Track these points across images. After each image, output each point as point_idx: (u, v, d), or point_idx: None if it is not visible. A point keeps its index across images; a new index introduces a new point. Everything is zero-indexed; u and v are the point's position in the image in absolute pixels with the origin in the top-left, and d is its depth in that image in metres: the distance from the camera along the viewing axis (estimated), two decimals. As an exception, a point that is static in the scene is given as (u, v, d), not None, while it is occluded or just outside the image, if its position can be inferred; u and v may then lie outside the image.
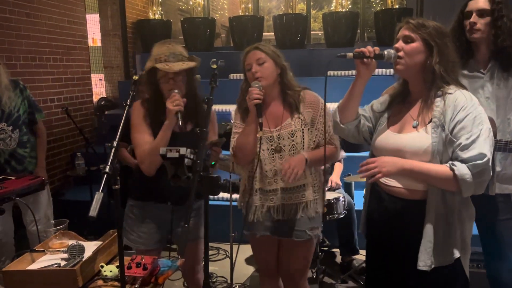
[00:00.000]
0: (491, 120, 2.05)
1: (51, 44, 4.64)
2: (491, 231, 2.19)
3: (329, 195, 3.10)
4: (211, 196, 1.58)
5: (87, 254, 1.88)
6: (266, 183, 2.12)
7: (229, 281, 3.17)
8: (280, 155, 2.09)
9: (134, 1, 6.44)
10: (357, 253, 3.44)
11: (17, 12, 4.13)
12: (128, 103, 1.66)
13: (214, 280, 3.39)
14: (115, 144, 1.49)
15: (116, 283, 1.78)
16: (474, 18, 2.06)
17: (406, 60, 1.62)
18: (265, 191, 2.13)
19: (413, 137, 1.63)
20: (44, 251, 1.97)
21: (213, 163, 2.04)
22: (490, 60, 2.11)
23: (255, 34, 5.91)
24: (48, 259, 1.91)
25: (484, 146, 1.52)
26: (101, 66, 6.27)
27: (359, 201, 3.28)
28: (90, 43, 5.82)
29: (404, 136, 1.66)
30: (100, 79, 6.34)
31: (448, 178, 1.54)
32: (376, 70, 4.74)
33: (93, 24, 6.07)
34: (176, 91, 2.06)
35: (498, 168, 2.11)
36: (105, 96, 6.13)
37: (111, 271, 1.81)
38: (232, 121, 4.06)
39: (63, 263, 1.86)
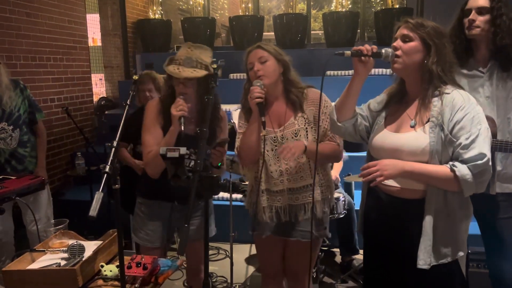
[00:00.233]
0: (491, 120, 2.05)
1: (51, 44, 4.64)
2: (492, 230, 2.19)
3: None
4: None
5: (87, 253, 1.89)
6: (272, 184, 2.11)
7: (229, 280, 3.17)
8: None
9: (134, 1, 6.45)
10: (357, 253, 3.44)
11: (17, 11, 4.13)
12: (128, 102, 1.66)
13: (214, 280, 3.39)
14: (115, 144, 1.49)
15: (116, 283, 1.78)
16: (473, 15, 2.06)
17: (404, 58, 1.63)
18: (271, 192, 2.13)
19: (410, 137, 1.63)
20: (44, 250, 1.97)
21: (220, 164, 2.04)
22: (490, 60, 2.11)
23: (255, 34, 5.92)
24: (48, 259, 1.91)
25: (483, 146, 1.53)
26: (101, 66, 6.27)
27: (359, 201, 3.28)
28: (90, 43, 5.82)
29: (402, 135, 1.66)
30: (100, 79, 6.34)
31: (449, 179, 1.55)
32: (374, 70, 4.78)
33: (93, 24, 6.07)
34: (181, 96, 2.05)
35: (499, 168, 2.11)
36: (105, 96, 6.13)
37: (111, 271, 1.81)
38: (232, 121, 4.07)
39: (63, 262, 1.86)
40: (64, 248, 1.96)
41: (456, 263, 1.66)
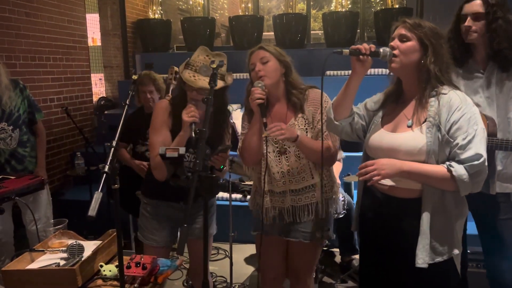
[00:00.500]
0: (492, 120, 2.05)
1: (51, 44, 4.64)
2: (492, 231, 2.19)
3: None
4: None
5: (87, 253, 1.89)
6: (275, 185, 2.11)
7: (228, 280, 3.17)
8: (286, 157, 2.08)
9: (134, 1, 6.44)
10: (357, 253, 3.44)
11: (16, 11, 4.13)
12: (127, 102, 1.66)
13: (214, 280, 3.39)
14: (114, 143, 1.49)
15: (115, 283, 1.79)
16: (469, 21, 2.07)
17: (401, 58, 1.64)
18: (274, 193, 2.13)
19: (408, 137, 1.64)
20: (43, 250, 1.97)
21: (222, 166, 2.05)
22: (489, 61, 2.11)
23: (255, 33, 5.91)
24: (47, 259, 1.91)
25: (480, 147, 1.54)
26: (101, 65, 6.27)
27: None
28: (90, 43, 5.82)
29: (399, 135, 1.67)
30: (100, 79, 6.34)
31: (445, 178, 1.56)
32: (372, 70, 4.78)
33: (93, 24, 6.06)
34: (193, 102, 2.04)
35: (499, 167, 2.11)
36: (104, 95, 6.13)
37: (110, 271, 1.81)
38: (232, 121, 4.07)
39: (62, 262, 1.86)
40: (64, 248, 1.96)
41: (451, 261, 1.68)
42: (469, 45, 2.14)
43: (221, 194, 3.98)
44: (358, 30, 6.20)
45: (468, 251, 2.55)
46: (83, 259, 1.84)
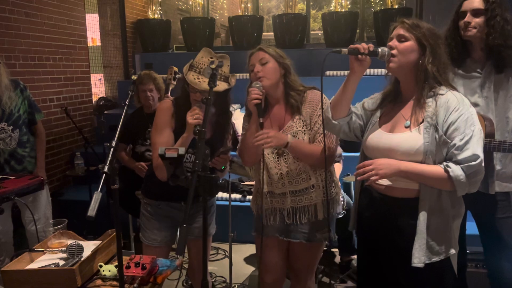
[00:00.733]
0: (489, 120, 2.06)
1: (51, 44, 4.64)
2: (491, 230, 2.20)
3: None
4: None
5: (86, 253, 1.89)
6: (274, 186, 2.11)
7: (228, 280, 3.17)
8: (285, 158, 2.09)
9: (134, 1, 6.44)
10: (356, 253, 3.44)
11: (16, 11, 4.13)
12: (127, 103, 1.66)
13: (213, 280, 3.39)
14: (113, 144, 1.49)
15: (114, 283, 1.79)
16: (468, 17, 2.08)
17: (399, 58, 1.65)
18: (274, 195, 2.13)
19: (405, 137, 1.64)
20: (43, 250, 1.97)
21: (223, 167, 2.05)
22: (487, 60, 2.12)
23: (254, 34, 5.92)
24: (47, 259, 1.91)
25: (477, 147, 1.56)
26: (100, 66, 6.26)
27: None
28: (90, 43, 5.82)
29: (397, 135, 1.67)
30: (100, 79, 6.34)
31: (443, 179, 1.58)
32: (370, 70, 4.78)
33: (92, 24, 6.06)
34: (198, 104, 2.04)
35: (498, 167, 2.12)
36: (104, 96, 6.13)
37: (109, 271, 1.81)
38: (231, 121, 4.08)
39: (62, 262, 1.86)
40: (63, 248, 1.96)
41: (448, 261, 1.69)
42: (466, 44, 2.14)
43: (220, 194, 3.99)
44: (358, 30, 6.21)
45: (468, 251, 2.56)
46: (82, 259, 1.84)
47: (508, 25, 2.04)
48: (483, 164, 1.57)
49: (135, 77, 1.80)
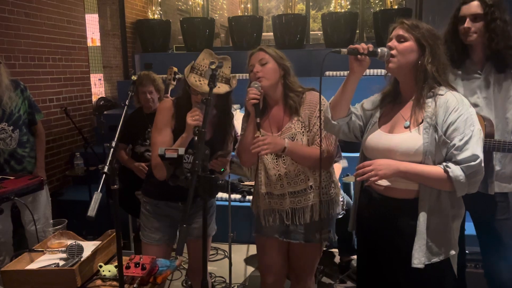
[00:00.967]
0: (489, 120, 2.06)
1: (50, 44, 4.64)
2: (489, 231, 2.20)
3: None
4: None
5: (86, 254, 1.89)
6: (273, 187, 2.11)
7: (227, 281, 3.17)
8: (283, 160, 2.08)
9: (133, 1, 6.45)
10: (356, 253, 3.44)
11: (16, 11, 4.13)
12: (127, 103, 1.66)
13: (212, 280, 3.39)
14: (113, 144, 1.49)
15: (114, 283, 1.79)
16: (468, 23, 2.08)
17: (398, 58, 1.65)
18: (273, 196, 2.13)
19: (404, 138, 1.64)
20: (42, 251, 1.97)
21: (222, 169, 2.05)
22: (486, 61, 2.12)
23: (254, 34, 5.92)
24: (46, 259, 1.92)
25: (476, 148, 1.56)
26: (100, 66, 6.27)
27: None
28: (89, 43, 5.82)
29: (396, 136, 1.68)
30: (99, 79, 6.34)
31: (442, 179, 1.57)
32: (369, 71, 4.79)
33: (92, 24, 6.06)
34: (198, 105, 2.03)
35: (497, 167, 2.12)
36: (104, 96, 6.13)
37: (109, 271, 1.81)
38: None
39: (61, 263, 1.86)
40: (63, 248, 1.96)
41: (448, 262, 1.69)
42: (466, 46, 2.15)
43: (220, 195, 3.99)
44: (357, 31, 6.22)
45: (467, 251, 2.56)
46: (82, 259, 1.84)
47: (508, 26, 2.04)
48: (482, 165, 1.57)
49: (135, 78, 1.80)
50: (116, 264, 1.67)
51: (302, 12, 6.52)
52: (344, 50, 1.65)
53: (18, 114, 2.97)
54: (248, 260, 3.73)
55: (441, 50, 1.66)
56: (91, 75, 5.59)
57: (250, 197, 2.68)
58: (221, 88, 2.06)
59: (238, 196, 4.02)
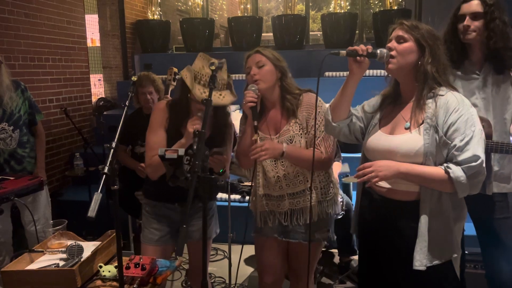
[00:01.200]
0: (487, 121, 2.06)
1: (50, 45, 4.64)
2: (488, 231, 2.21)
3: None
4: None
5: (86, 254, 1.89)
6: (272, 189, 2.12)
7: (227, 281, 3.17)
8: (282, 162, 2.09)
9: (133, 2, 6.45)
10: (355, 253, 3.44)
11: (15, 12, 4.14)
12: (127, 104, 1.66)
13: (212, 281, 3.39)
14: (113, 145, 1.49)
15: (114, 283, 1.79)
16: (467, 21, 2.08)
17: (398, 59, 1.64)
18: (272, 197, 2.13)
19: (405, 139, 1.64)
20: (42, 251, 1.97)
21: (221, 170, 2.05)
22: (485, 62, 2.13)
23: (254, 34, 5.92)
24: (46, 259, 1.92)
25: (477, 148, 1.54)
26: (100, 66, 6.27)
27: (357, 201, 3.29)
28: (89, 44, 5.82)
29: (396, 137, 1.67)
30: (99, 80, 6.34)
31: (443, 180, 1.56)
32: (369, 71, 4.79)
33: (92, 25, 6.07)
34: (200, 114, 2.01)
35: (496, 168, 2.13)
36: (103, 96, 6.13)
37: (109, 271, 1.81)
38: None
39: (61, 263, 1.87)
40: (63, 249, 1.96)
41: (450, 264, 1.67)
42: (465, 46, 2.15)
43: (220, 195, 3.99)
44: (357, 31, 6.22)
45: (466, 252, 2.56)
46: (82, 259, 1.84)
47: (507, 27, 2.05)
48: (484, 165, 1.55)
49: (135, 78, 1.80)
50: (116, 264, 1.67)
51: (301, 12, 6.52)
52: (343, 52, 1.65)
53: (18, 114, 2.97)
54: (248, 261, 3.72)
55: (441, 50, 1.65)
56: (91, 76, 5.59)
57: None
58: (226, 97, 2.05)
59: (237, 197, 4.02)
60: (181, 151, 1.53)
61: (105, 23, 6.12)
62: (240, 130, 2.20)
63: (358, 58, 1.66)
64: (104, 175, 1.41)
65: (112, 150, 1.49)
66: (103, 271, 1.82)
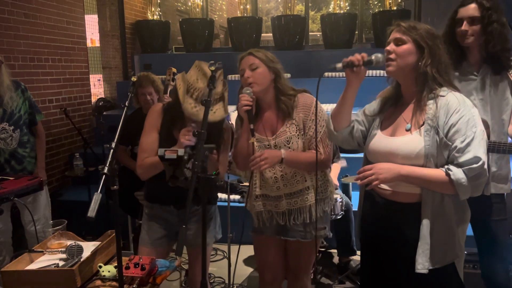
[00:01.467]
0: (484, 122, 2.07)
1: (50, 45, 4.65)
2: (485, 231, 2.21)
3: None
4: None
5: (86, 254, 1.89)
6: (269, 189, 2.13)
7: (227, 281, 3.17)
8: (280, 163, 2.10)
9: (133, 2, 6.45)
10: (355, 253, 3.45)
11: (15, 12, 4.14)
12: (126, 104, 1.67)
13: (212, 281, 3.39)
14: (113, 145, 1.50)
15: (114, 283, 1.79)
16: (465, 26, 2.08)
17: (398, 61, 1.63)
18: (269, 197, 2.14)
19: (405, 140, 1.62)
20: (42, 251, 1.97)
21: (214, 172, 2.04)
22: (483, 63, 2.13)
23: (253, 35, 5.93)
24: (46, 259, 1.92)
25: (478, 149, 1.52)
26: (99, 66, 6.27)
27: (356, 202, 3.29)
28: (89, 44, 5.83)
29: (397, 139, 1.66)
30: (99, 80, 6.35)
31: (444, 182, 1.54)
32: (369, 72, 4.79)
33: (91, 25, 6.07)
34: (193, 125, 2.01)
35: (493, 168, 2.13)
36: (103, 96, 6.14)
37: (109, 271, 1.81)
38: (230, 122, 4.08)
39: (61, 263, 1.87)
40: (63, 249, 1.96)
41: (453, 267, 1.66)
42: (463, 48, 2.15)
43: (219, 195, 3.99)
44: (356, 32, 6.23)
45: (465, 252, 2.57)
46: (82, 259, 1.84)
47: (504, 29, 2.04)
48: (485, 167, 1.53)
49: (135, 79, 1.80)
50: (116, 264, 1.68)
51: (301, 13, 6.53)
52: (339, 65, 1.64)
53: (18, 114, 2.98)
54: (247, 261, 3.72)
55: (441, 49, 1.63)
56: (91, 76, 5.60)
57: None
58: (217, 113, 2.01)
59: (237, 197, 4.02)
60: (181, 151, 1.54)
61: (105, 23, 6.13)
62: (236, 132, 2.19)
63: (354, 68, 1.65)
64: (104, 175, 1.41)
65: (111, 150, 1.49)
66: (103, 271, 1.82)
